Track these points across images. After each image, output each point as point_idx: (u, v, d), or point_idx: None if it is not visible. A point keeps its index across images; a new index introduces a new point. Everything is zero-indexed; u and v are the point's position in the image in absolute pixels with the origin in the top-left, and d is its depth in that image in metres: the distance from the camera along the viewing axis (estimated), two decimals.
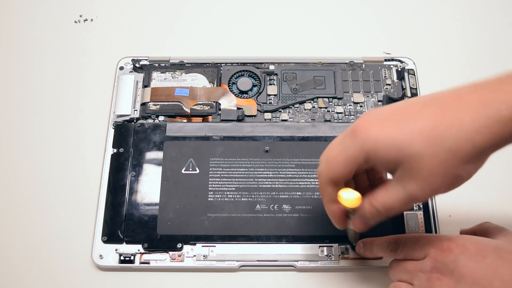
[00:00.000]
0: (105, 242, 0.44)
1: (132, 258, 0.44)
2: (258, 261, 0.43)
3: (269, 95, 0.51)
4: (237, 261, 0.43)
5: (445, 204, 0.46)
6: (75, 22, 0.57)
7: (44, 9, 0.57)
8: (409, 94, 0.50)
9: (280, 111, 0.50)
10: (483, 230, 0.39)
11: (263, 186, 0.45)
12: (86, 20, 0.57)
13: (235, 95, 0.50)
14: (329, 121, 0.49)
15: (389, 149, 0.31)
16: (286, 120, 0.49)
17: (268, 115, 0.49)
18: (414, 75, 0.51)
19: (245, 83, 0.51)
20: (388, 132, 0.31)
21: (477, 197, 0.46)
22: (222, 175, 0.46)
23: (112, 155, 0.47)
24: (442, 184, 0.31)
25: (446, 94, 0.31)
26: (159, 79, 0.51)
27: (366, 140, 0.31)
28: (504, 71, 0.30)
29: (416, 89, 0.51)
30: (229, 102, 0.50)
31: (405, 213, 0.45)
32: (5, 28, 0.56)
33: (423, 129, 0.30)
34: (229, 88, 0.51)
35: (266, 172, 0.46)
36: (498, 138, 0.29)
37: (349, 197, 0.34)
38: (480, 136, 0.29)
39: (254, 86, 0.51)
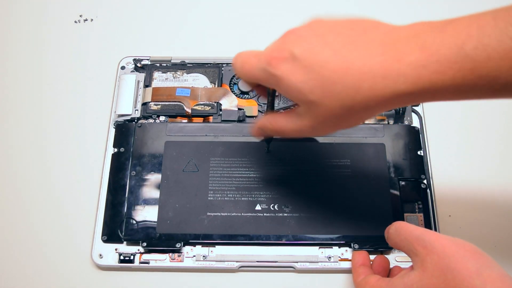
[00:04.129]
0: (105, 241, 0.44)
1: (131, 258, 0.43)
2: (257, 262, 0.43)
3: None
4: (236, 261, 0.43)
5: (445, 204, 0.46)
6: (75, 22, 0.57)
7: (44, 9, 0.57)
8: None
9: (281, 112, 0.50)
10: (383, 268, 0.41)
11: (263, 185, 0.45)
12: (86, 20, 0.57)
13: (236, 95, 0.50)
14: None
15: (291, 91, 0.32)
16: None
17: None
18: None
19: (246, 83, 0.51)
20: (293, 78, 0.31)
21: (477, 197, 0.46)
22: (222, 174, 0.46)
23: (112, 154, 0.47)
24: (331, 128, 0.34)
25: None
26: (160, 79, 0.51)
27: (272, 76, 0.32)
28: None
29: None
30: (230, 102, 0.50)
31: (405, 215, 0.45)
32: (5, 28, 0.56)
33: (324, 84, 0.31)
34: (230, 89, 0.51)
35: (266, 172, 0.46)
36: (388, 102, 0.30)
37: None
38: (374, 103, 0.30)
39: None
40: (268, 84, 0.34)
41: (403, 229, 0.35)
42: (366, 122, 0.49)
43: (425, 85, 0.29)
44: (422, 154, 0.47)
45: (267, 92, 0.39)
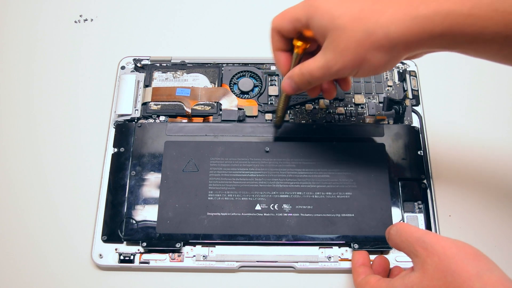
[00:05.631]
0: (105, 241, 0.44)
1: (131, 257, 0.43)
2: (257, 262, 0.43)
3: (270, 95, 0.51)
4: (236, 261, 0.43)
5: (445, 204, 0.46)
6: (75, 22, 0.57)
7: (44, 9, 0.57)
8: (410, 96, 0.50)
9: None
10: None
11: (263, 185, 0.45)
12: (86, 20, 0.57)
13: (236, 95, 0.50)
14: (330, 122, 0.49)
15: (323, 17, 0.36)
16: (287, 121, 0.49)
17: (269, 116, 0.49)
18: (415, 76, 0.51)
19: (246, 83, 0.51)
20: (329, 5, 0.36)
21: (477, 197, 0.46)
22: (222, 174, 0.46)
23: (112, 154, 0.47)
24: (351, 60, 0.35)
25: None
26: (160, 79, 0.51)
27: (311, 6, 0.37)
28: None
29: (417, 90, 0.51)
30: (230, 102, 0.50)
31: (405, 215, 0.45)
32: (6, 28, 0.56)
33: (353, 9, 0.35)
34: (230, 89, 0.51)
35: (266, 172, 0.46)
36: (410, 34, 0.33)
37: (297, 43, 0.40)
38: (394, 27, 0.33)
39: (255, 86, 0.51)
40: (304, 15, 0.37)
41: (404, 230, 0.36)
42: (366, 121, 0.49)
43: (445, 12, 0.32)
44: (422, 154, 0.47)
45: (293, 57, 0.41)
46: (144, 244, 0.43)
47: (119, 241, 0.44)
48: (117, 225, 0.44)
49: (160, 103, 0.50)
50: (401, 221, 0.44)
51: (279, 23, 0.39)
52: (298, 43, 0.40)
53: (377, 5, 0.34)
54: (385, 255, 0.43)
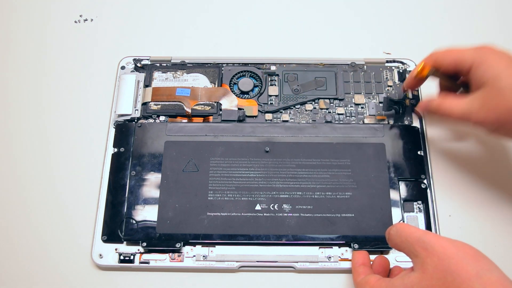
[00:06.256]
0: (105, 241, 0.44)
1: (131, 257, 0.43)
2: (257, 262, 0.43)
3: (270, 95, 0.51)
4: (236, 261, 0.43)
5: (445, 204, 0.46)
6: (75, 22, 0.57)
7: (44, 9, 0.57)
8: (410, 95, 0.50)
9: (281, 112, 0.50)
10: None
11: (263, 185, 0.45)
12: (86, 20, 0.57)
13: (236, 95, 0.50)
14: (330, 122, 0.49)
15: (488, 70, 0.39)
16: (287, 121, 0.49)
17: (269, 116, 0.49)
18: None
19: (246, 83, 0.51)
20: (500, 84, 0.38)
21: (477, 197, 0.46)
22: (222, 174, 0.46)
23: (112, 154, 0.47)
24: (493, 120, 0.39)
25: None
26: (160, 79, 0.51)
27: (481, 57, 0.40)
28: None
29: (417, 90, 0.51)
30: (230, 102, 0.50)
31: (405, 215, 0.45)
32: (5, 28, 0.56)
33: None
34: (230, 89, 0.51)
35: (266, 172, 0.46)
36: None
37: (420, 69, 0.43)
38: None
39: (255, 86, 0.51)
40: (470, 61, 0.40)
41: (404, 231, 0.36)
42: (366, 122, 0.49)
43: None
44: (422, 154, 0.47)
45: (441, 77, 0.44)
46: (144, 244, 0.43)
47: (119, 241, 0.44)
48: (117, 225, 0.44)
49: (160, 103, 0.50)
50: (401, 221, 0.44)
51: (442, 58, 0.42)
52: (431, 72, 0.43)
53: None
54: (385, 255, 0.43)
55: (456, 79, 0.45)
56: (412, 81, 0.46)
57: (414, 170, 0.46)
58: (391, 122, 0.49)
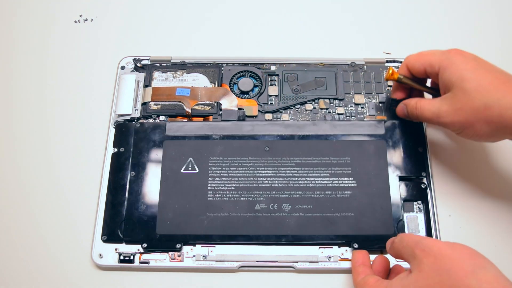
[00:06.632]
0: (105, 241, 0.44)
1: (131, 257, 0.43)
2: (257, 261, 0.43)
3: (270, 95, 0.51)
4: (236, 261, 0.43)
5: (445, 204, 0.46)
6: (75, 22, 0.57)
7: (44, 9, 0.57)
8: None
9: (281, 112, 0.50)
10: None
11: (263, 185, 0.45)
12: (86, 20, 0.57)
13: (236, 95, 0.50)
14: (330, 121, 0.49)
15: (454, 73, 0.40)
16: (286, 121, 0.49)
17: (269, 116, 0.49)
18: None
19: (246, 83, 0.51)
20: (463, 66, 0.40)
21: (477, 197, 0.46)
22: (221, 174, 0.46)
23: (112, 154, 0.47)
24: (460, 121, 0.39)
25: None
26: (160, 79, 0.51)
27: (448, 60, 0.41)
28: None
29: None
30: (230, 102, 0.50)
31: (405, 215, 0.45)
32: (5, 28, 0.56)
33: (483, 79, 0.39)
34: (230, 89, 0.51)
35: (266, 171, 0.46)
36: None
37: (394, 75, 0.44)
38: (511, 112, 0.37)
39: (255, 86, 0.51)
40: (438, 64, 0.41)
41: (406, 237, 0.37)
42: (366, 119, 0.49)
43: None
44: (422, 151, 0.47)
45: (415, 82, 0.45)
46: (145, 245, 0.43)
47: (119, 241, 0.44)
48: (117, 225, 0.44)
49: (160, 103, 0.50)
50: (401, 220, 0.44)
51: (412, 62, 0.43)
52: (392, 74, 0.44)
53: (504, 86, 0.38)
54: (385, 255, 0.43)
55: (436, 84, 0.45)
56: (394, 90, 0.47)
57: (414, 167, 0.46)
58: (392, 119, 0.49)
